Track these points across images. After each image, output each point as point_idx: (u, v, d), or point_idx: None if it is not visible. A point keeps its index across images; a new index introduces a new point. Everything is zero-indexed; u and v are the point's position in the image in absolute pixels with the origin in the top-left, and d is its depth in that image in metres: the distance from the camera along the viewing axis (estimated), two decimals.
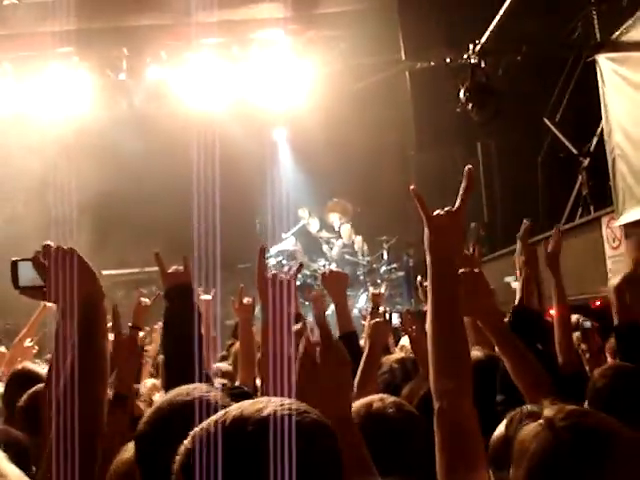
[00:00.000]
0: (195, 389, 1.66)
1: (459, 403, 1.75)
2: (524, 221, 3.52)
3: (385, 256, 12.31)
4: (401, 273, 12.10)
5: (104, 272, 13.22)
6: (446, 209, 2.01)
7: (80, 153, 12.09)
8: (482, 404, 2.52)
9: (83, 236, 12.75)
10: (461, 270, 2.28)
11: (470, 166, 2.08)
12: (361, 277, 12.04)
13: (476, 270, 2.55)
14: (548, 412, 1.34)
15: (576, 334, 5.41)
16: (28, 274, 1.98)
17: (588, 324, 5.25)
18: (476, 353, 2.98)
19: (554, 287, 3.65)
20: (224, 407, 1.14)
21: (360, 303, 11.61)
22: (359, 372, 3.13)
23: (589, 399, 2.53)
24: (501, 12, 6.40)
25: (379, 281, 11.99)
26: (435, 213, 1.99)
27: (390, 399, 2.16)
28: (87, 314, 1.87)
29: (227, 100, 12.81)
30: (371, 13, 11.70)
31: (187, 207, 11.91)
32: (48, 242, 1.99)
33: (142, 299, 4.50)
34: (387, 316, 4.21)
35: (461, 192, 2.01)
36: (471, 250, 3.50)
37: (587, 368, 4.09)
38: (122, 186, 13.39)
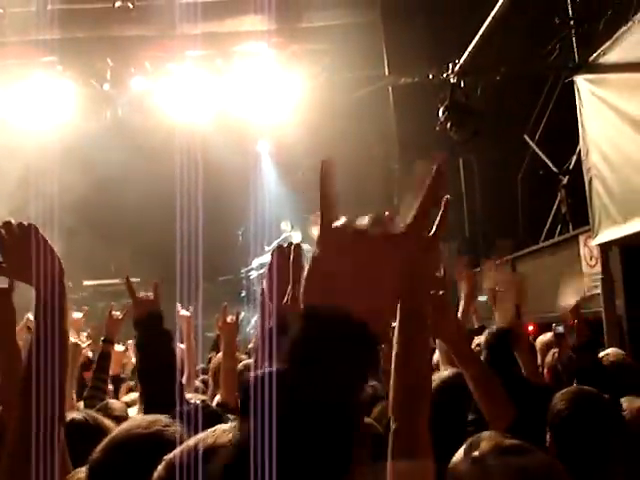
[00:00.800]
0: (155, 422, 1.65)
1: (414, 426, 1.75)
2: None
3: None
4: None
5: (85, 282, 13.18)
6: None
7: (62, 162, 12.04)
8: (452, 423, 2.54)
9: (64, 246, 12.63)
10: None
11: (448, 196, 2.03)
12: None
13: (441, 292, 2.56)
14: (485, 446, 1.34)
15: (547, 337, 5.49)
16: None
17: (560, 329, 5.36)
18: (446, 372, 3.01)
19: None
20: (182, 442, 1.14)
21: None
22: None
23: (549, 422, 2.56)
24: (480, 32, 6.46)
25: None
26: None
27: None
28: (46, 291, 1.86)
29: (211, 112, 12.81)
30: (355, 28, 11.77)
31: (170, 218, 11.92)
32: (9, 219, 2.00)
33: (113, 312, 4.51)
34: None
35: (437, 221, 1.98)
36: (442, 272, 3.53)
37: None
38: (104, 196, 13.37)
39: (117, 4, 11.07)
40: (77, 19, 11.26)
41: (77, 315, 4.86)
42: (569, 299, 3.41)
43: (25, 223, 2.02)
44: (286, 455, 0.76)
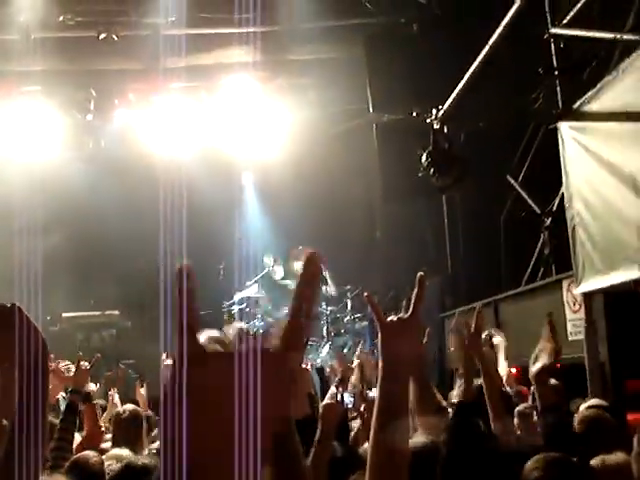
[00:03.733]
0: None
1: None
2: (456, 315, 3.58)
3: (349, 306, 12.26)
4: (365, 323, 12.04)
5: (64, 314, 13.01)
6: (399, 316, 1.99)
7: (44, 191, 11.92)
8: None
9: (46, 278, 12.48)
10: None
11: (421, 273, 2.06)
12: (324, 327, 11.97)
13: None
14: None
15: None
16: None
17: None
18: (419, 439, 2.99)
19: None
20: None
21: (323, 353, 11.53)
22: (311, 454, 3.10)
23: None
24: (464, 79, 6.47)
25: (342, 331, 11.93)
26: (389, 319, 1.99)
27: None
28: (29, 371, 1.82)
29: (194, 144, 12.79)
30: (340, 62, 11.80)
31: (151, 251, 11.78)
32: None
33: (82, 363, 4.38)
34: (339, 397, 4.17)
35: (413, 299, 2.01)
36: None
37: None
38: (85, 228, 13.22)
39: (101, 36, 11.03)
40: (61, 49, 11.19)
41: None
42: (533, 366, 3.44)
43: (7, 304, 1.97)
44: None
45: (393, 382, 1.89)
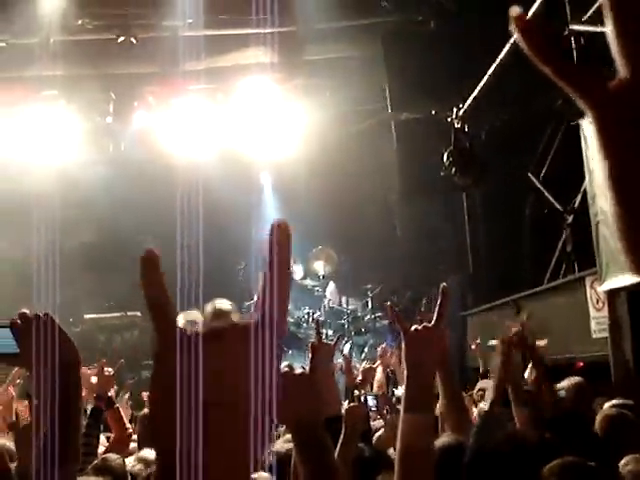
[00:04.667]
0: None
1: None
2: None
3: (369, 304, 12.25)
4: (385, 322, 12.04)
5: (86, 316, 13.09)
6: (424, 324, 2.03)
7: (64, 196, 12.01)
8: None
9: (67, 280, 12.60)
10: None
11: (445, 284, 2.13)
12: (345, 326, 11.97)
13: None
14: None
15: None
16: (5, 340, 1.96)
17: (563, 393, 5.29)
18: (445, 439, 3.00)
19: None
20: None
21: (344, 352, 11.52)
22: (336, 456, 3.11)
23: None
24: (484, 79, 6.44)
25: (363, 329, 11.93)
26: (413, 327, 2.02)
27: None
28: (62, 383, 1.84)
29: (213, 145, 12.82)
30: (358, 62, 11.80)
31: (171, 252, 11.81)
32: (24, 310, 1.97)
33: (105, 369, 4.40)
34: (362, 399, 4.18)
35: (437, 308, 2.06)
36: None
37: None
38: (105, 229, 13.32)
39: (120, 39, 11.10)
40: (80, 53, 11.27)
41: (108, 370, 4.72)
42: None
43: (41, 313, 2.01)
44: None
45: (417, 390, 1.94)
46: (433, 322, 2.00)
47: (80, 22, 10.90)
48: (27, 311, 1.99)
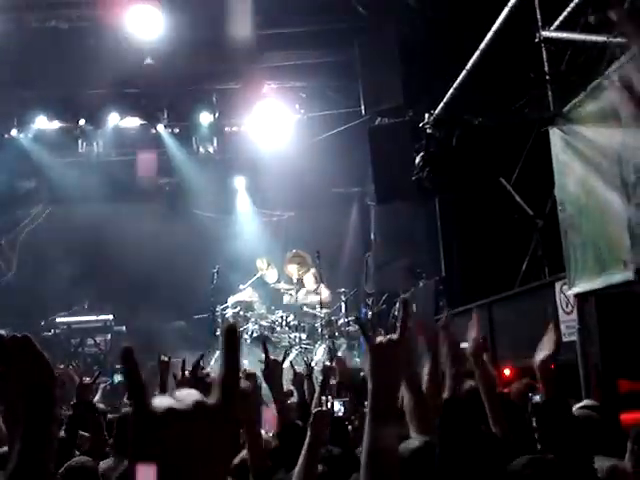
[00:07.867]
0: None
1: None
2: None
3: (343, 308, 12.25)
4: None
5: (58, 319, 12.98)
6: (388, 337, 2.06)
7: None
8: None
9: (39, 282, 12.50)
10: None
11: (404, 296, 2.16)
12: (319, 329, 11.96)
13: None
14: None
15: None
16: None
17: (537, 398, 5.28)
18: (414, 442, 3.00)
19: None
20: None
21: (317, 356, 11.54)
22: (299, 463, 3.12)
23: None
24: (456, 83, 6.50)
25: (337, 334, 11.94)
26: (377, 341, 2.03)
27: None
28: (35, 404, 1.81)
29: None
30: (333, 66, 11.84)
31: (145, 255, 11.77)
32: (1, 331, 1.95)
33: (84, 379, 4.41)
34: (329, 405, 4.19)
35: (399, 323, 2.08)
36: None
37: None
38: (82, 233, 13.22)
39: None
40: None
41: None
42: (538, 354, 3.32)
43: (19, 334, 2.01)
44: None
45: (382, 401, 1.96)
46: (397, 334, 2.02)
47: None
48: (3, 332, 1.98)
